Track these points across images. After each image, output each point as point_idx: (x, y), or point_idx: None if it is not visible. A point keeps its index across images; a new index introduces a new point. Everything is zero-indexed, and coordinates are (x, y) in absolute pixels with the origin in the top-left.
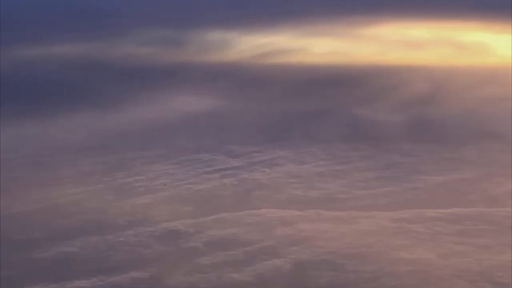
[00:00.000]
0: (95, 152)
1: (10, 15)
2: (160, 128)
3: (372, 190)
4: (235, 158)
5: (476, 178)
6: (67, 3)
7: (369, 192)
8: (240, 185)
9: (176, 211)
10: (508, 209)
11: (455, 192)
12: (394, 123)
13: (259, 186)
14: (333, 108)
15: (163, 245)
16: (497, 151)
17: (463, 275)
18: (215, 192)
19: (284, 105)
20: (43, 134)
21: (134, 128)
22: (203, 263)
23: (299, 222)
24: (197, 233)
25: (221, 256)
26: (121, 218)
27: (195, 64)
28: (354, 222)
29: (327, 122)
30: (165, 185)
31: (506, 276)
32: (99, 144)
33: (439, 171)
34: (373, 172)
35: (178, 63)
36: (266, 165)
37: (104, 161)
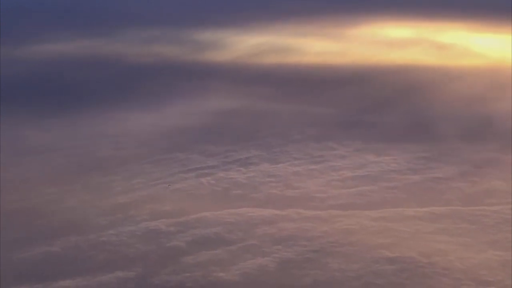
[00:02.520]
0: (69, 151)
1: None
2: (135, 127)
3: (350, 189)
4: (209, 157)
5: (450, 177)
6: (65, 3)
7: (347, 191)
8: (217, 184)
9: (156, 210)
10: (485, 208)
11: (431, 191)
12: (367, 123)
13: (237, 185)
14: (307, 107)
15: (146, 245)
16: (470, 150)
17: (447, 274)
18: (193, 191)
19: (262, 105)
20: (17, 135)
21: (108, 128)
22: (188, 262)
23: (280, 221)
24: (179, 232)
25: (205, 255)
26: (101, 218)
27: (185, 63)
28: (334, 221)
29: (301, 121)
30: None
31: (490, 274)
32: (72, 144)
33: (414, 170)
34: (349, 171)
35: (169, 62)
36: (242, 164)
37: (78, 161)
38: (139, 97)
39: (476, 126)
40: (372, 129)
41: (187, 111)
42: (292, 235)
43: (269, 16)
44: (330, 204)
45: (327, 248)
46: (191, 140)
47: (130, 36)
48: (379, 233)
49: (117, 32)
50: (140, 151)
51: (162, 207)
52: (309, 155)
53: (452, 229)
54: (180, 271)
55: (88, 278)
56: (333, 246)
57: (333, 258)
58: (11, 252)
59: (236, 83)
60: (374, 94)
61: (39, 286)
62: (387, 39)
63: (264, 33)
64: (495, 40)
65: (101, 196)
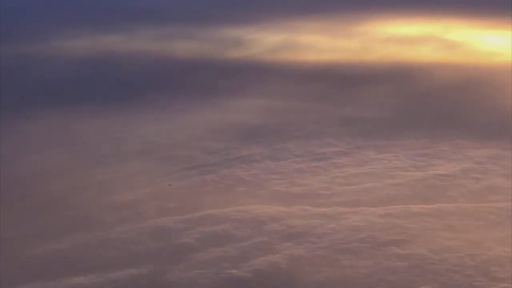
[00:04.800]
0: (72, 148)
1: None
2: (135, 124)
3: (354, 186)
4: (211, 154)
5: (453, 174)
6: (85, 1)
7: (351, 188)
8: (221, 182)
9: (162, 207)
10: (490, 205)
11: (435, 187)
12: (369, 119)
13: (241, 182)
14: (311, 105)
15: (155, 242)
16: (470, 147)
17: (458, 270)
18: (198, 189)
19: (264, 102)
20: (19, 131)
21: (108, 125)
22: (199, 259)
23: (287, 218)
24: (187, 230)
25: (216, 252)
26: (108, 215)
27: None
28: (341, 218)
29: (300, 119)
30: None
31: (501, 271)
32: (75, 140)
33: (417, 167)
34: (351, 168)
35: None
36: (244, 161)
37: (81, 157)
38: (143, 96)
39: (476, 122)
40: (373, 126)
41: (196, 108)
42: (301, 232)
43: (283, 14)
44: (335, 201)
45: (336, 245)
46: (192, 138)
47: (146, 33)
48: (387, 229)
49: (136, 30)
50: (142, 148)
51: (168, 204)
52: (311, 152)
53: (459, 226)
54: (192, 267)
55: (101, 274)
56: (342, 243)
57: (343, 255)
58: (20, 249)
59: (254, 80)
60: (379, 91)
61: (51, 283)
62: (399, 36)
63: (280, 31)
64: (506, 37)
65: (106, 193)
